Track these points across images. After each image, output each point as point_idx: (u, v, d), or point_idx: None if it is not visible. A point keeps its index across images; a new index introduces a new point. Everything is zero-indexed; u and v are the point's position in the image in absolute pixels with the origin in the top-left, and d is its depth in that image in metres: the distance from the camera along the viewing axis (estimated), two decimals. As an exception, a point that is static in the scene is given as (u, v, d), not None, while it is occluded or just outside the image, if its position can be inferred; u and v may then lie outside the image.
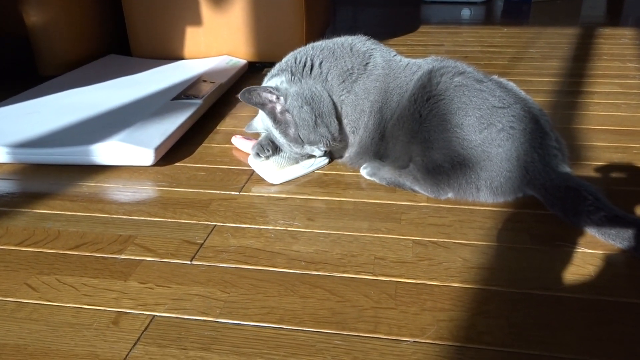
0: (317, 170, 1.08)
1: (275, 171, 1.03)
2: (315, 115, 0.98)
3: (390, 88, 1.03)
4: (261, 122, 1.10)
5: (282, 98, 1.00)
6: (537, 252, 0.80)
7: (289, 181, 1.03)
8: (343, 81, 1.03)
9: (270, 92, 1.00)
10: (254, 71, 1.84)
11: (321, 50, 1.06)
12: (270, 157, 1.06)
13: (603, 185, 0.89)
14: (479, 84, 0.94)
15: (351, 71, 1.04)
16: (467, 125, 0.90)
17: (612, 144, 1.18)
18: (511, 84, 1.00)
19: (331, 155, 1.10)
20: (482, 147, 0.90)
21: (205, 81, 1.51)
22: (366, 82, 1.04)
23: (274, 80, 1.05)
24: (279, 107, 1.00)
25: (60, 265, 0.78)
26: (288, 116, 0.99)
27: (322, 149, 1.02)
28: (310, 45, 1.10)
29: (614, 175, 1.05)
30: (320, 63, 1.04)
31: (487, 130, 0.90)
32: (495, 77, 1.01)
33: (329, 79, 1.03)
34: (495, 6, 3.40)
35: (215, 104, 1.46)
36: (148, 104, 1.33)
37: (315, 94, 1.00)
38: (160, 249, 0.81)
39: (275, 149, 1.06)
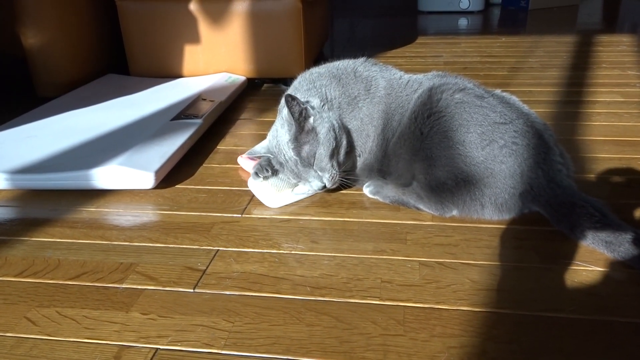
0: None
1: (273, 195, 1.02)
2: (336, 144, 0.98)
3: (391, 107, 1.02)
4: (267, 143, 1.08)
5: (312, 117, 0.99)
6: (545, 271, 0.78)
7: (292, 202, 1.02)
8: (352, 110, 1.04)
9: (307, 108, 0.99)
10: (253, 88, 1.84)
11: (329, 79, 1.06)
12: (268, 179, 1.05)
13: (608, 200, 0.87)
14: (480, 100, 0.93)
15: (357, 98, 1.04)
16: (469, 142, 0.90)
17: (616, 155, 1.17)
18: (514, 99, 1.00)
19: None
20: (484, 164, 0.89)
21: (204, 100, 1.51)
22: (370, 107, 1.04)
23: None
24: (309, 123, 0.99)
25: (61, 296, 0.76)
26: (311, 136, 0.98)
27: (325, 181, 0.98)
28: (316, 73, 1.09)
29: (619, 188, 1.04)
30: (333, 93, 1.04)
31: (490, 147, 0.89)
32: (498, 91, 1.00)
33: (339, 109, 1.04)
34: (492, 15, 3.41)
35: (215, 122, 1.45)
36: (147, 124, 1.33)
37: (341, 128, 1.00)
38: (162, 277, 0.80)
39: (275, 171, 1.05)
